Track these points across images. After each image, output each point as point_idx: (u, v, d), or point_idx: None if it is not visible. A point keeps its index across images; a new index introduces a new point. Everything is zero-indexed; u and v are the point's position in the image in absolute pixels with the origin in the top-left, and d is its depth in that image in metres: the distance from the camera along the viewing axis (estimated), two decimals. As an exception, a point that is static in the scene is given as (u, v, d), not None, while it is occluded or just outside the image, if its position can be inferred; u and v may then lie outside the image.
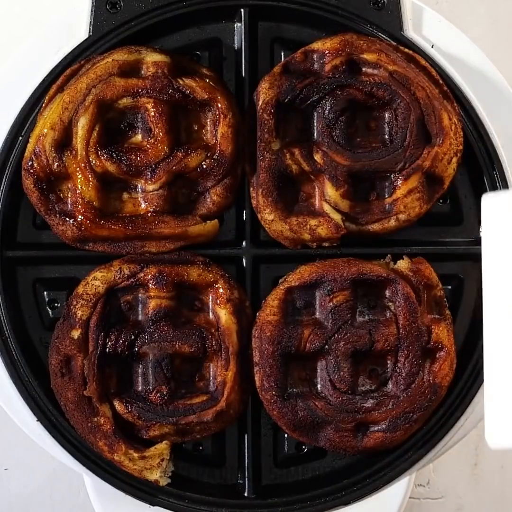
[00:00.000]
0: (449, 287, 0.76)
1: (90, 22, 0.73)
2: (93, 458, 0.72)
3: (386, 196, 0.70)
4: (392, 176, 0.69)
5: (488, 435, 0.64)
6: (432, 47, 0.74)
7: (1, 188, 0.72)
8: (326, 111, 0.70)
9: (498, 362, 0.65)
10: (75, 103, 0.70)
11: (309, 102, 0.70)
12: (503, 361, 0.64)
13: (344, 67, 0.69)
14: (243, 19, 0.74)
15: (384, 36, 0.73)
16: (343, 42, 0.70)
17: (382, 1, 0.73)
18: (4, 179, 0.72)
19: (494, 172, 0.73)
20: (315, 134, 0.70)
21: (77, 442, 0.72)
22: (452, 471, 0.92)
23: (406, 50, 0.71)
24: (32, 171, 0.70)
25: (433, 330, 0.71)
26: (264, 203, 0.70)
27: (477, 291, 0.76)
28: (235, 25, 0.76)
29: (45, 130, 0.70)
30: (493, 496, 0.92)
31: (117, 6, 0.73)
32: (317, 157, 0.69)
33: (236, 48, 0.76)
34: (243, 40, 0.74)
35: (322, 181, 0.69)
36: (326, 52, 0.70)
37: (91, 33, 0.73)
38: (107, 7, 0.73)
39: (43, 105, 0.72)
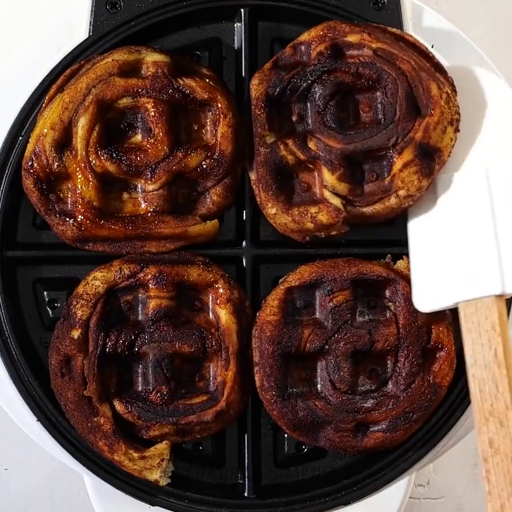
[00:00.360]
0: (449, 287, 0.76)
1: (90, 22, 0.73)
2: (93, 458, 0.72)
3: (385, 175, 0.69)
4: (387, 154, 0.68)
5: (415, 300, 0.69)
6: (432, 47, 0.74)
7: (1, 188, 0.72)
8: (316, 98, 0.69)
9: (421, 234, 0.70)
10: (75, 103, 0.70)
11: (298, 91, 0.69)
12: (426, 232, 0.69)
13: (328, 52, 0.69)
14: (243, 19, 0.74)
15: (384, 36, 0.73)
16: (326, 28, 0.69)
17: (382, 1, 0.73)
18: (4, 179, 0.72)
19: (494, 172, 0.73)
20: (308, 123, 0.70)
21: (77, 442, 0.72)
22: (452, 471, 0.92)
23: (393, 29, 0.70)
24: (32, 171, 0.70)
25: (433, 330, 0.71)
26: (265, 198, 0.70)
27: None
28: (235, 25, 0.76)
29: (45, 130, 0.70)
30: (493, 496, 0.92)
31: (117, 6, 0.73)
32: (311, 145, 0.69)
33: (236, 48, 0.76)
34: (243, 40, 0.74)
35: (320, 168, 0.69)
36: (312, 41, 0.69)
37: (91, 33, 0.73)
38: (107, 7, 0.73)
39: (43, 105, 0.72)
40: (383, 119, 0.68)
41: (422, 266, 0.69)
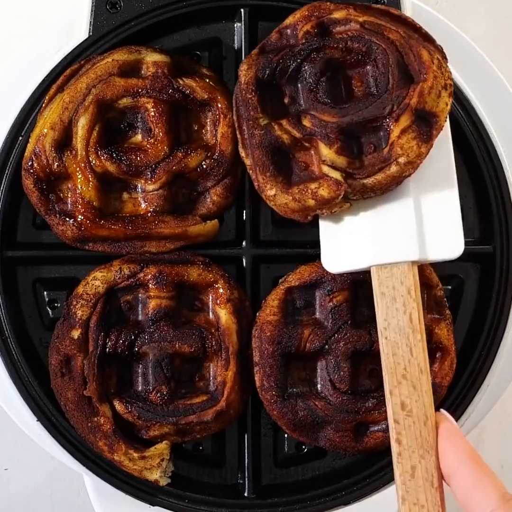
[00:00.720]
0: (449, 287, 0.76)
1: (90, 22, 0.73)
2: (93, 458, 0.72)
3: (384, 145, 0.67)
4: (384, 123, 0.66)
5: (324, 260, 0.69)
6: (432, 47, 0.74)
7: (1, 188, 0.72)
8: (306, 76, 0.68)
9: None
10: (75, 103, 0.70)
11: (288, 72, 0.68)
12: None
13: (315, 30, 0.68)
14: (243, 19, 0.74)
15: (384, 36, 0.73)
16: (310, 8, 0.69)
17: (382, 1, 0.73)
18: (4, 179, 0.72)
19: (494, 172, 0.73)
20: (300, 103, 0.69)
21: (77, 442, 0.72)
22: (452, 471, 0.92)
23: (378, 5, 0.69)
24: (32, 171, 0.70)
25: (433, 330, 0.71)
26: (263, 180, 0.68)
27: (477, 291, 0.76)
28: (235, 25, 0.76)
29: (45, 130, 0.70)
30: (493, 496, 0.92)
31: (117, 6, 0.73)
32: (306, 122, 0.67)
33: (236, 48, 0.76)
34: (243, 40, 0.74)
35: (316, 145, 0.67)
36: (297, 22, 0.69)
37: (91, 33, 0.73)
38: (107, 7, 0.73)
39: (43, 105, 0.72)
40: (376, 91, 0.67)
41: (334, 226, 0.69)
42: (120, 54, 0.71)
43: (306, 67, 0.68)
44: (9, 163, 0.72)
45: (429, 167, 0.67)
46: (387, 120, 0.66)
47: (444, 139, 0.68)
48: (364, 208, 0.68)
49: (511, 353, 0.74)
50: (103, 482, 0.73)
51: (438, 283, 0.72)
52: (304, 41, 0.68)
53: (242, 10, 0.74)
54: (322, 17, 0.68)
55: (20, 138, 0.72)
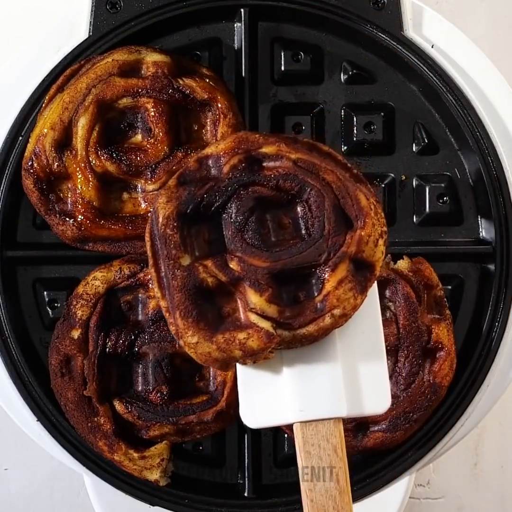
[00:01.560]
0: (449, 287, 0.76)
1: (90, 22, 0.73)
2: (93, 458, 0.72)
3: (316, 294, 0.61)
4: (317, 270, 0.61)
5: (243, 412, 0.63)
6: (432, 47, 0.74)
7: (1, 188, 0.72)
8: (233, 214, 0.61)
9: None
10: (75, 103, 0.70)
11: (213, 208, 0.61)
12: None
13: (243, 164, 0.61)
14: (243, 19, 0.74)
15: (384, 36, 0.73)
16: (237, 140, 0.61)
17: (382, 1, 0.73)
18: (4, 179, 0.72)
19: (494, 172, 0.73)
20: (226, 241, 0.61)
21: (77, 442, 0.72)
22: (452, 471, 0.92)
23: (305, 139, 0.63)
24: (32, 171, 0.70)
25: (433, 330, 0.71)
26: (185, 326, 0.60)
27: (477, 291, 0.76)
28: (235, 25, 0.76)
29: (45, 130, 0.70)
30: (493, 496, 0.92)
31: (117, 6, 0.73)
32: (233, 265, 0.60)
33: (236, 48, 0.76)
34: (243, 40, 0.74)
35: (244, 290, 0.61)
36: (221, 153, 0.61)
37: (91, 33, 0.73)
38: (107, 7, 0.73)
39: (43, 105, 0.72)
40: (306, 234, 0.62)
41: (255, 376, 0.63)
42: (120, 54, 0.71)
43: (233, 205, 0.61)
44: (9, 163, 0.72)
45: (355, 316, 0.61)
46: (322, 267, 0.60)
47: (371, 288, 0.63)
48: (288, 358, 0.62)
49: (511, 353, 0.74)
50: (103, 482, 0.73)
51: (438, 283, 0.72)
52: (230, 175, 0.61)
53: (242, 10, 0.74)
54: (250, 150, 0.62)
55: (20, 138, 0.72)
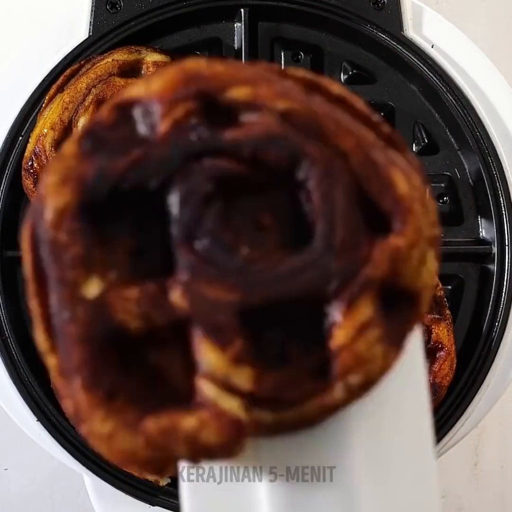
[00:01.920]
0: (449, 287, 0.76)
1: (90, 22, 0.73)
2: (93, 458, 0.72)
3: (318, 348, 0.33)
4: (322, 307, 0.33)
5: None
6: (432, 47, 0.74)
7: (1, 188, 0.72)
8: (177, 207, 0.33)
9: None
10: (75, 103, 0.70)
11: (143, 195, 0.33)
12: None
13: (194, 119, 0.33)
14: (243, 19, 0.74)
15: (384, 36, 0.73)
16: (183, 75, 0.33)
17: (382, 1, 0.73)
18: (4, 179, 0.72)
19: (494, 172, 0.73)
20: (165, 255, 0.33)
21: (77, 442, 0.72)
22: (452, 471, 0.92)
23: (300, 73, 0.35)
24: (32, 171, 0.70)
25: (433, 330, 0.71)
26: (90, 403, 0.32)
27: (477, 291, 0.76)
28: (235, 25, 0.76)
29: (45, 130, 0.70)
30: (493, 496, 0.92)
31: (117, 6, 0.73)
32: (176, 296, 0.32)
33: (236, 48, 0.76)
34: (243, 40, 0.74)
35: (193, 341, 0.33)
36: (156, 98, 0.33)
37: (91, 33, 0.73)
38: (107, 7, 0.73)
39: (43, 105, 0.72)
40: (302, 243, 0.33)
41: (211, 497, 0.37)
42: (120, 54, 0.71)
43: (176, 190, 0.33)
44: (9, 163, 0.72)
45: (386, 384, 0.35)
46: (331, 302, 0.33)
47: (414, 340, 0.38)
48: (269, 458, 0.36)
49: (511, 353, 0.74)
50: (103, 482, 0.73)
51: (438, 283, 0.72)
52: (172, 138, 0.33)
53: (242, 10, 0.74)
54: (207, 95, 0.33)
55: (20, 138, 0.72)
